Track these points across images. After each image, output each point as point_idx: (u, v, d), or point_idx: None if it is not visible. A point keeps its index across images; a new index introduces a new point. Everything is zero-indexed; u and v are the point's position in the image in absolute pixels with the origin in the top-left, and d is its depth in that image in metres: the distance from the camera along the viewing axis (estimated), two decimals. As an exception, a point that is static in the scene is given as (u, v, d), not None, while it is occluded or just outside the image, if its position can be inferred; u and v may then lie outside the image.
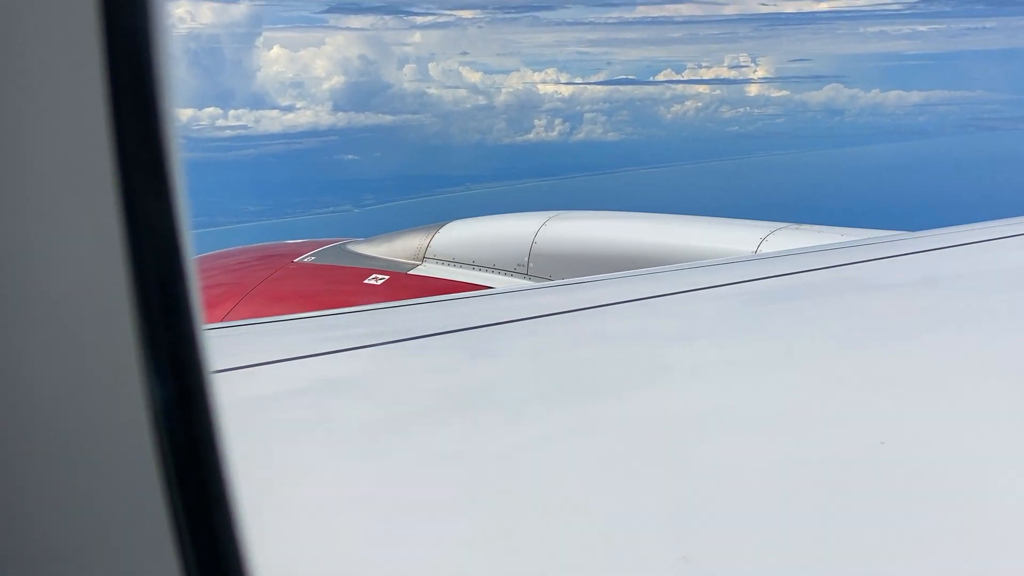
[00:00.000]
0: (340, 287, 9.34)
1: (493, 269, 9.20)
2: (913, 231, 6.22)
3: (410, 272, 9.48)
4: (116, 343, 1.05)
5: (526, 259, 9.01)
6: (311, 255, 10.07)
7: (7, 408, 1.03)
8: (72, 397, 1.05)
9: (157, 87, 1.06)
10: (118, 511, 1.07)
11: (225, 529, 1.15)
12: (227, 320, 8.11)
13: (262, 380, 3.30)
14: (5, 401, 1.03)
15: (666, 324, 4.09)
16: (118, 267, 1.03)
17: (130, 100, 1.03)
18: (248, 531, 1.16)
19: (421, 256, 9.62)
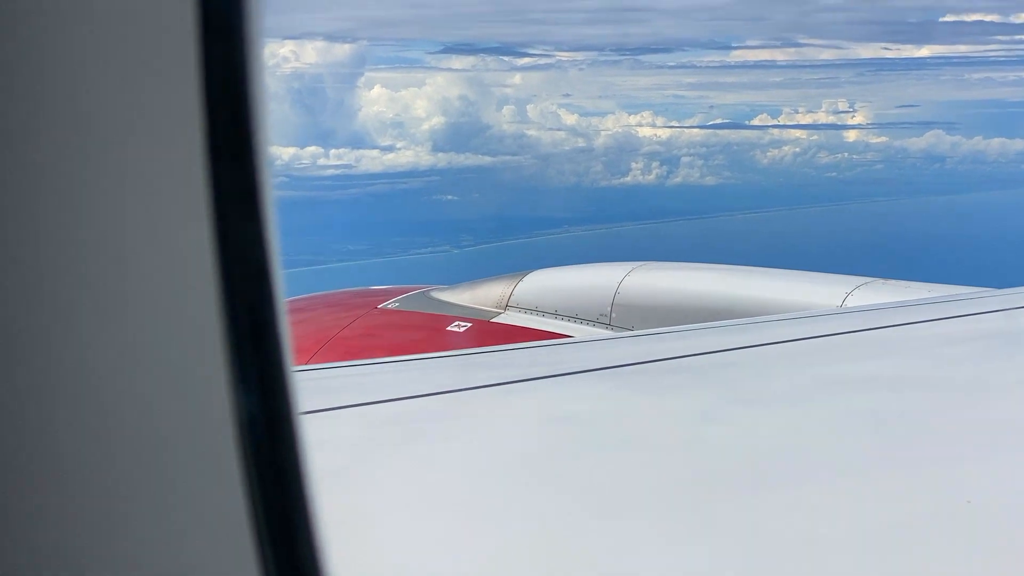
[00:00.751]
0: (422, 334, 9.36)
1: (575, 319, 9.11)
2: (1010, 284, 6.23)
3: (493, 320, 9.43)
4: (206, 359, 1.08)
5: (609, 309, 8.94)
6: (395, 301, 10.09)
7: (102, 421, 1.07)
8: (163, 412, 1.08)
9: (252, 118, 1.08)
10: (203, 522, 1.10)
11: (306, 544, 1.17)
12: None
13: (348, 422, 3.32)
14: (100, 415, 1.07)
15: (747, 377, 4.07)
16: (209, 289, 1.07)
17: (225, 128, 1.06)
18: (332, 555, 1.18)
19: (504, 304, 9.56)
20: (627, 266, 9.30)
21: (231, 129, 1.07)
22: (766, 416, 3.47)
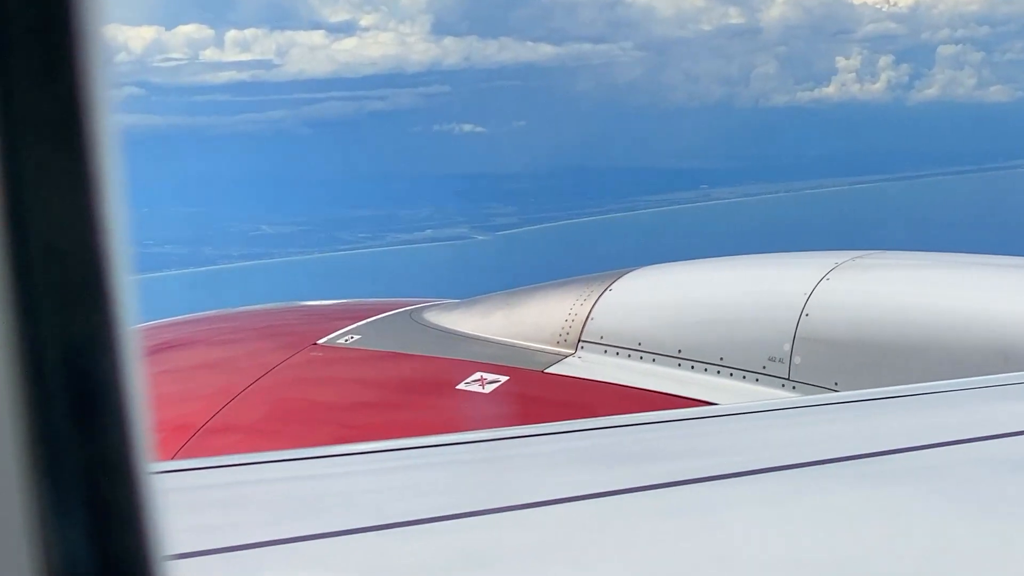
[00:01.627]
0: (404, 402, 6.81)
1: (721, 368, 6.39)
2: None
3: (549, 370, 6.68)
4: None
5: (788, 348, 6.18)
6: (351, 331, 7.19)
7: None
8: None
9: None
10: None
11: None
12: (189, 454, 6.12)
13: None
14: None
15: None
16: None
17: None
18: None
19: (573, 338, 6.76)
20: (823, 260, 6.53)
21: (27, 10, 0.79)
22: None
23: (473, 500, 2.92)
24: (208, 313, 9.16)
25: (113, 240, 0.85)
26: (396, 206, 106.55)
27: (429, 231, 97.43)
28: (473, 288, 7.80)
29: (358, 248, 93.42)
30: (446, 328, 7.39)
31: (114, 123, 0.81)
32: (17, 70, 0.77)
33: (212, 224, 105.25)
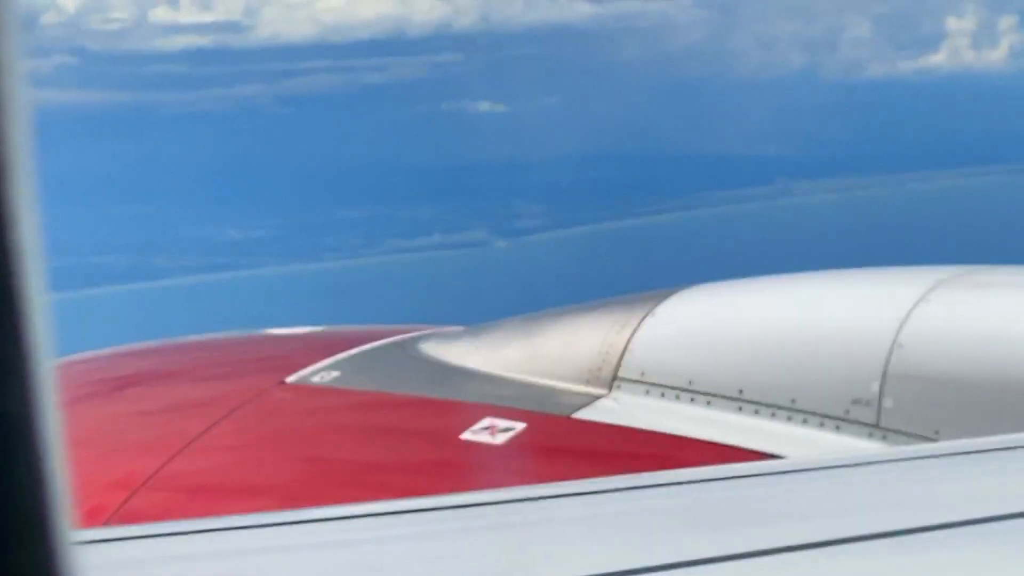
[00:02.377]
0: (399, 455, 6.98)
1: (793, 412, 6.43)
2: None
3: (576, 415, 6.77)
4: None
5: (876, 387, 6.23)
6: (330, 366, 7.31)
7: None
8: None
9: None
10: None
11: None
12: (125, 519, 6.24)
13: None
14: None
15: None
16: None
17: None
18: None
19: (608, 375, 6.82)
20: (921, 277, 6.69)
21: None
22: None
23: None
24: (151, 344, 9.11)
25: (22, 249, 0.84)
26: (395, 205, 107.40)
27: (436, 236, 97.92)
28: (491, 309, 8.24)
29: (348, 258, 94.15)
30: (447, 363, 7.38)
31: (25, 99, 0.78)
32: None
33: (165, 227, 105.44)
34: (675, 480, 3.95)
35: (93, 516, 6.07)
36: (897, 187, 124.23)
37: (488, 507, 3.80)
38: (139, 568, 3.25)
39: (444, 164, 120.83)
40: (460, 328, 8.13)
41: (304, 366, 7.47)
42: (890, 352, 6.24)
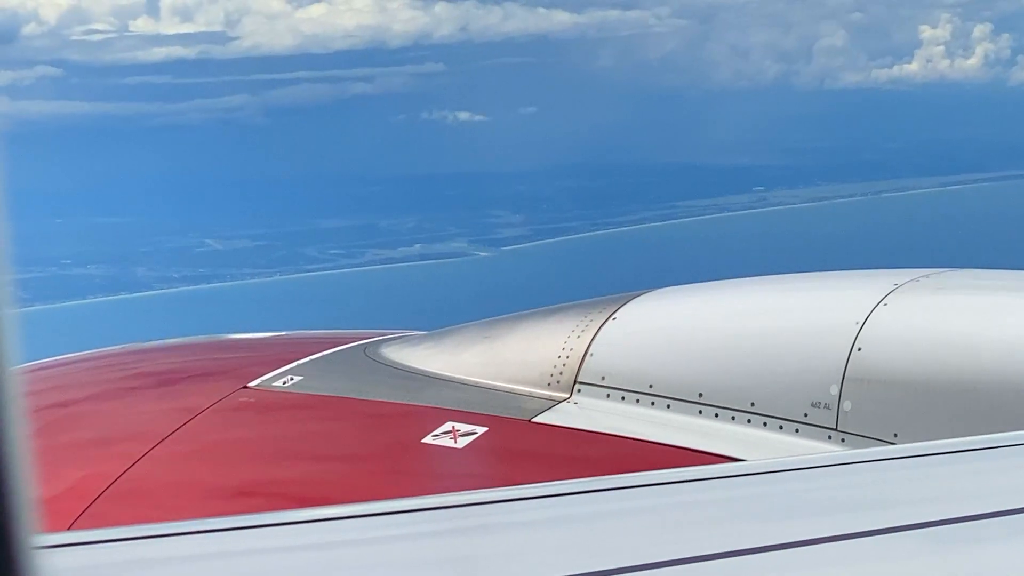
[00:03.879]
0: (348, 463, 7.00)
1: (753, 415, 6.48)
2: None
3: (537, 419, 6.82)
4: None
5: (835, 390, 6.33)
6: (291, 371, 7.37)
7: None
8: None
9: None
10: None
11: None
12: (87, 524, 6.22)
13: None
14: None
15: None
16: None
17: None
18: None
19: (568, 379, 6.92)
20: (880, 281, 6.77)
21: None
22: None
23: None
24: (114, 348, 9.09)
25: None
26: (376, 215, 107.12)
27: (417, 246, 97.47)
28: (474, 320, 7.80)
29: (329, 268, 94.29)
30: (409, 367, 7.41)
31: None
32: None
33: (145, 238, 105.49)
34: (636, 483, 3.97)
35: (57, 520, 5.97)
36: (872, 196, 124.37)
37: (449, 510, 3.80)
38: (102, 572, 3.22)
39: (424, 174, 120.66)
40: (421, 332, 8.15)
41: (266, 371, 7.42)
42: (849, 355, 6.27)
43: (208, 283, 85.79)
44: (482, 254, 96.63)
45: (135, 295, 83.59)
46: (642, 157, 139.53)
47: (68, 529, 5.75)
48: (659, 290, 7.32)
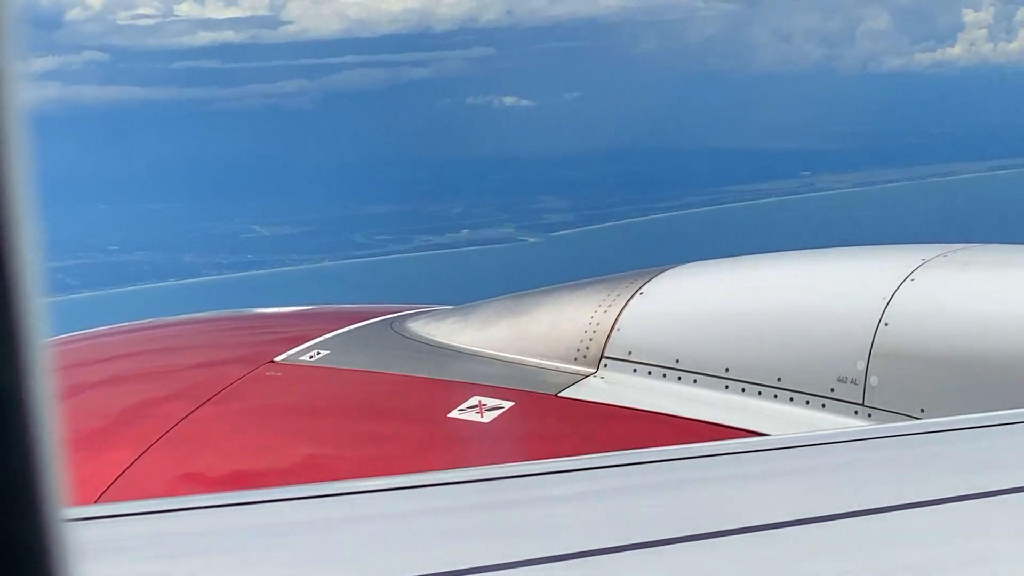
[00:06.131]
0: (379, 435, 7.22)
1: (779, 391, 6.67)
2: None
3: (563, 394, 7.02)
4: None
5: (862, 366, 6.48)
6: (318, 345, 7.57)
7: None
8: None
9: None
10: None
11: None
12: (113, 498, 6.48)
13: None
14: None
15: None
16: None
17: None
18: None
19: (594, 354, 7.09)
20: (907, 256, 6.90)
21: None
22: None
23: (475, 553, 3.03)
24: (143, 322, 9.37)
25: (13, 232, 0.87)
26: (423, 201, 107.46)
27: (465, 232, 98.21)
28: None
29: (377, 254, 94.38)
30: (435, 341, 7.54)
31: (22, 101, 0.83)
32: None
33: (193, 225, 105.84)
34: (662, 458, 4.08)
35: (86, 493, 6.15)
36: (919, 181, 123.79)
37: (476, 484, 3.89)
38: (131, 544, 3.27)
39: (471, 159, 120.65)
40: (448, 307, 8.32)
41: (293, 345, 7.61)
42: (876, 331, 6.38)
43: (256, 269, 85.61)
44: (530, 240, 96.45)
45: (183, 281, 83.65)
46: (688, 142, 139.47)
47: (97, 502, 5.78)
48: (686, 265, 7.42)
